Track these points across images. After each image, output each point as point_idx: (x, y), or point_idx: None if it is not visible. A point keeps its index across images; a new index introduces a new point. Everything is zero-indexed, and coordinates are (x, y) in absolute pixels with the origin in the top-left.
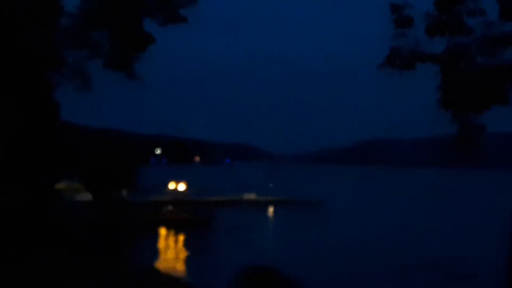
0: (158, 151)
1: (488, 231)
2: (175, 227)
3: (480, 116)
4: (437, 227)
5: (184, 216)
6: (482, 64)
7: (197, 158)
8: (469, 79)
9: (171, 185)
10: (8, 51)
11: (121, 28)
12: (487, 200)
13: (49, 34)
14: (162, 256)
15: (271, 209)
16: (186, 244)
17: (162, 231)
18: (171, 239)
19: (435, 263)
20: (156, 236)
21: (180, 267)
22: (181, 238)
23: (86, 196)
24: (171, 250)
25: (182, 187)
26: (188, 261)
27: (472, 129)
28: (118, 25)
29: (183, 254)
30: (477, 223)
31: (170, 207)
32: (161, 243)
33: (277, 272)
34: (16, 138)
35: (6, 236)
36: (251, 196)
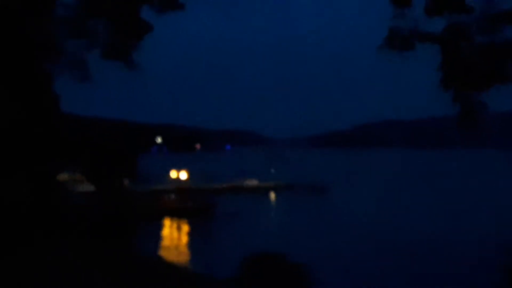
0: (158, 140)
1: (492, 214)
2: (177, 216)
3: (481, 95)
4: (441, 209)
5: (186, 204)
6: (483, 42)
7: (198, 146)
8: (469, 58)
9: (173, 174)
10: (4, 42)
11: (119, 17)
12: (490, 180)
13: (46, 23)
14: (165, 245)
15: (273, 195)
16: (189, 232)
17: (165, 219)
18: (174, 228)
19: (443, 248)
20: (159, 224)
21: (184, 255)
22: (184, 226)
23: (88, 187)
24: (174, 239)
25: (183, 175)
26: (192, 249)
27: (474, 108)
28: (115, 14)
29: (186, 242)
30: (482, 204)
31: (172, 196)
32: (164, 232)
33: (283, 257)
34: (16, 130)
35: (10, 228)
36: (253, 182)
